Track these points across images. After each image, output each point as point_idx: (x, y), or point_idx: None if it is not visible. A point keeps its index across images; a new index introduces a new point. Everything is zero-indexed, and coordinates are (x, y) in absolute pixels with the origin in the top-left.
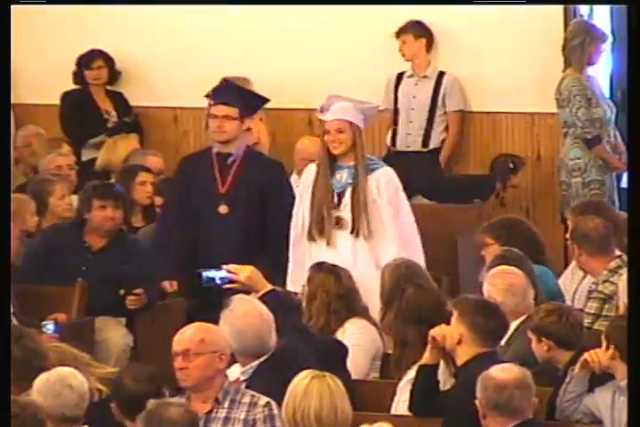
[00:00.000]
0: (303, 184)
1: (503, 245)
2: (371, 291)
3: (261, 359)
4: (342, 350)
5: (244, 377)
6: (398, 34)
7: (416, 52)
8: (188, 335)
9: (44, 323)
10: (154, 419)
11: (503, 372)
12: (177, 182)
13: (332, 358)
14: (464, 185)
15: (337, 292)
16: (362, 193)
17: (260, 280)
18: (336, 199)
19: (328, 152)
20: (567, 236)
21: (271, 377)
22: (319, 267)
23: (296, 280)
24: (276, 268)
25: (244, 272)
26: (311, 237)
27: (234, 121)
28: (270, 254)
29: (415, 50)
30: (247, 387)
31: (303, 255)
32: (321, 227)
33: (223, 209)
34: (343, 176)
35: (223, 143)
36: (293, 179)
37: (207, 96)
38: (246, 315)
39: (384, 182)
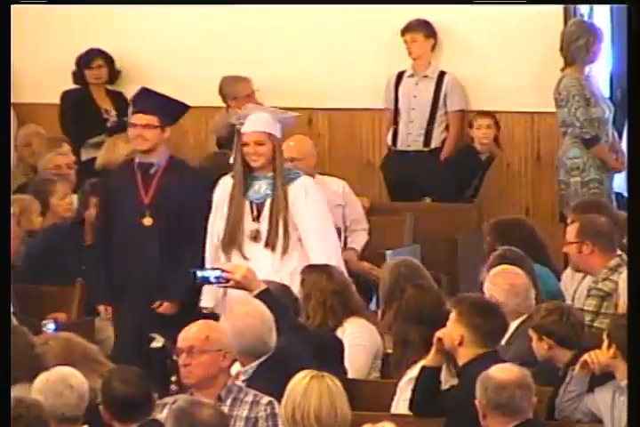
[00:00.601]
0: (218, 196)
1: (504, 244)
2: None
3: (261, 359)
4: (338, 346)
5: (244, 377)
6: (405, 31)
7: (423, 52)
8: (192, 332)
9: (44, 322)
10: (185, 418)
11: (503, 372)
12: (100, 197)
13: (328, 353)
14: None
15: (332, 289)
16: (280, 205)
17: (255, 279)
18: (255, 211)
19: (245, 163)
20: (570, 235)
21: (271, 377)
22: (310, 268)
23: (210, 296)
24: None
25: (240, 271)
26: (226, 251)
27: (154, 129)
28: (189, 268)
29: (423, 49)
30: (247, 387)
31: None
32: (236, 240)
33: (147, 221)
34: (262, 187)
35: (144, 152)
36: None
37: (128, 104)
38: (247, 315)
39: (303, 193)
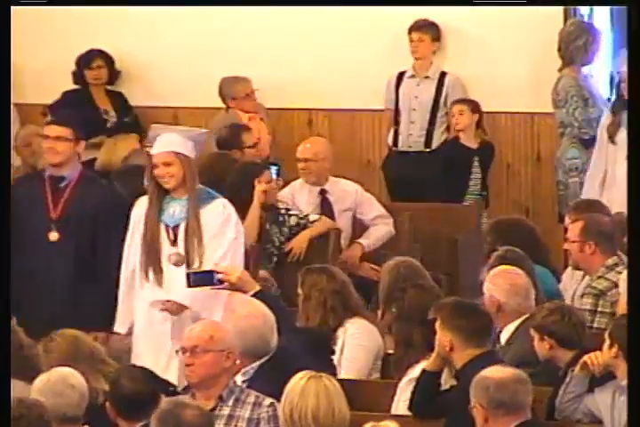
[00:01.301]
0: (133, 219)
1: (504, 245)
2: None
3: (262, 360)
4: (327, 343)
5: (245, 378)
6: (413, 30)
7: (428, 53)
8: (197, 332)
9: None
10: (170, 420)
11: (498, 371)
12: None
13: (320, 350)
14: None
15: (332, 288)
16: (195, 228)
17: (250, 281)
18: (172, 235)
19: (159, 186)
20: (572, 233)
21: (272, 378)
22: (309, 269)
23: (124, 321)
24: (106, 304)
25: (235, 272)
26: (143, 275)
27: (67, 142)
28: (101, 289)
29: (428, 51)
30: (248, 388)
31: (132, 294)
32: (153, 264)
33: (53, 236)
34: (177, 210)
35: (56, 166)
36: (299, 184)
37: (45, 114)
38: (249, 316)
39: (217, 215)
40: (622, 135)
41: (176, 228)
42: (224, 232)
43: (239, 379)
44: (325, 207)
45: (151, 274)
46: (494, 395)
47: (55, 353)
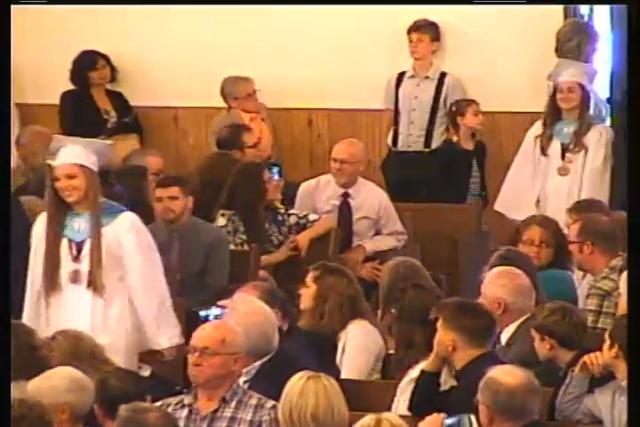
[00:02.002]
0: (36, 236)
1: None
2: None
3: (264, 359)
4: (331, 346)
5: (246, 378)
6: (412, 30)
7: (427, 53)
8: (209, 333)
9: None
10: (133, 425)
11: (510, 376)
12: None
13: (321, 353)
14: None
15: (349, 294)
16: (99, 244)
17: None
18: (75, 251)
19: (60, 200)
20: (572, 234)
21: (273, 378)
22: (327, 268)
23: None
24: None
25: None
26: (47, 295)
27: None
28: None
29: (428, 51)
30: (249, 387)
31: (37, 313)
32: (55, 282)
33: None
34: (81, 225)
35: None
36: (325, 181)
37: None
38: (250, 314)
39: (124, 230)
40: (555, 147)
41: (81, 243)
42: (133, 246)
43: (241, 379)
44: (344, 210)
45: (51, 292)
46: (503, 401)
47: (57, 352)
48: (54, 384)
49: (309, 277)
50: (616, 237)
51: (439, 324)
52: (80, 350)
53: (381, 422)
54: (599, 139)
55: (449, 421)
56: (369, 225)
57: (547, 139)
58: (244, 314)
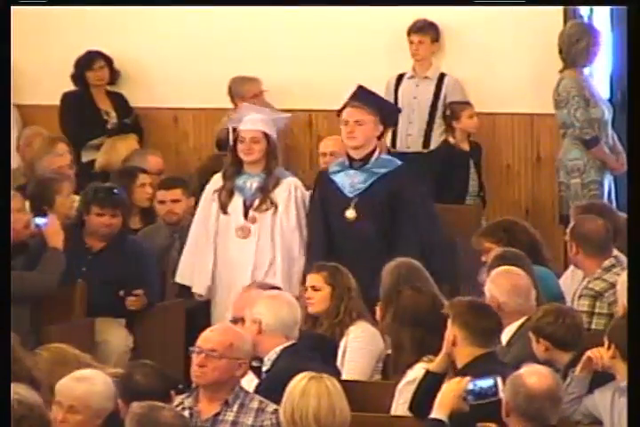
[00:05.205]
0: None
1: (505, 246)
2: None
3: (286, 344)
4: (333, 347)
5: (266, 368)
6: (413, 31)
7: (428, 55)
8: (217, 336)
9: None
10: (148, 424)
11: (536, 378)
12: None
13: (326, 353)
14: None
15: (356, 295)
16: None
17: None
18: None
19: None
20: (567, 232)
21: (293, 362)
22: (333, 267)
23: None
24: None
25: None
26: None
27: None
28: None
29: (429, 52)
30: (268, 371)
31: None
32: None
33: None
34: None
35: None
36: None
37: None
38: (280, 294)
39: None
40: (236, 204)
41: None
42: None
43: (267, 363)
44: None
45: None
46: (521, 404)
47: (44, 365)
48: (95, 390)
49: (318, 280)
50: (603, 241)
51: (449, 321)
52: (66, 359)
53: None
54: (289, 195)
55: (476, 384)
56: None
57: (227, 194)
58: (273, 295)
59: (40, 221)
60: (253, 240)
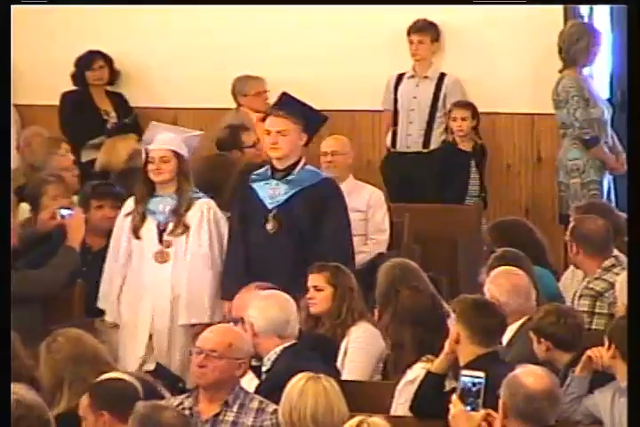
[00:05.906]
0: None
1: (503, 246)
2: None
3: (285, 344)
4: (332, 347)
5: (266, 368)
6: (413, 32)
7: (428, 55)
8: (216, 336)
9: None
10: (150, 423)
11: (534, 379)
12: None
13: (326, 353)
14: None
15: (357, 295)
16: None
17: None
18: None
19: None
20: (567, 232)
21: (294, 360)
22: (335, 268)
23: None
24: None
25: None
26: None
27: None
28: None
29: (429, 52)
30: (268, 371)
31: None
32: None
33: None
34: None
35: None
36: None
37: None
38: (273, 295)
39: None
40: (149, 227)
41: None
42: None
43: (267, 363)
44: None
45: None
46: (519, 405)
47: (59, 355)
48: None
49: (320, 280)
50: (604, 241)
51: (454, 318)
52: (83, 354)
53: (363, 425)
54: (201, 217)
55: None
56: (360, 218)
57: (139, 218)
58: (265, 296)
59: (65, 212)
60: (169, 265)
